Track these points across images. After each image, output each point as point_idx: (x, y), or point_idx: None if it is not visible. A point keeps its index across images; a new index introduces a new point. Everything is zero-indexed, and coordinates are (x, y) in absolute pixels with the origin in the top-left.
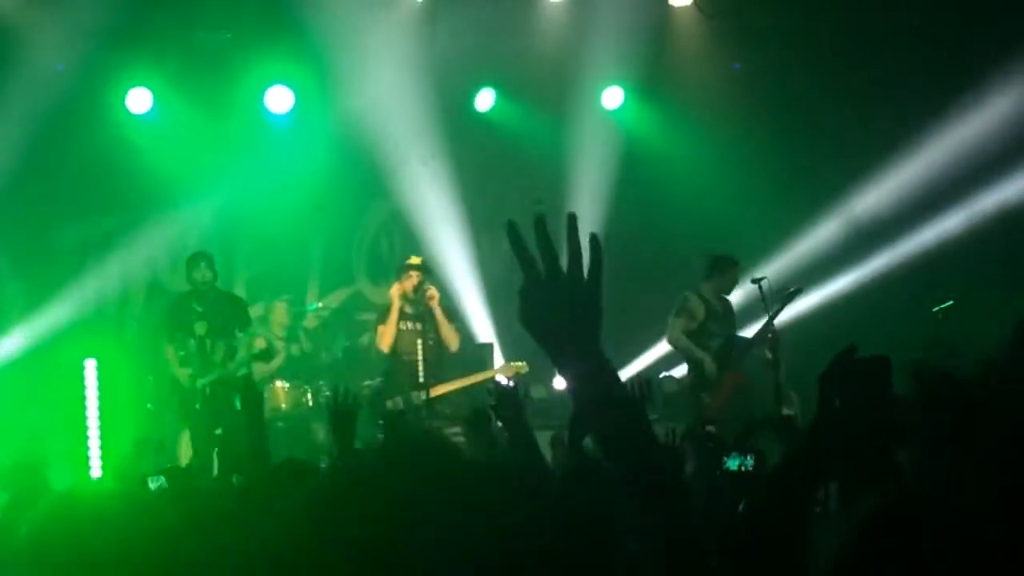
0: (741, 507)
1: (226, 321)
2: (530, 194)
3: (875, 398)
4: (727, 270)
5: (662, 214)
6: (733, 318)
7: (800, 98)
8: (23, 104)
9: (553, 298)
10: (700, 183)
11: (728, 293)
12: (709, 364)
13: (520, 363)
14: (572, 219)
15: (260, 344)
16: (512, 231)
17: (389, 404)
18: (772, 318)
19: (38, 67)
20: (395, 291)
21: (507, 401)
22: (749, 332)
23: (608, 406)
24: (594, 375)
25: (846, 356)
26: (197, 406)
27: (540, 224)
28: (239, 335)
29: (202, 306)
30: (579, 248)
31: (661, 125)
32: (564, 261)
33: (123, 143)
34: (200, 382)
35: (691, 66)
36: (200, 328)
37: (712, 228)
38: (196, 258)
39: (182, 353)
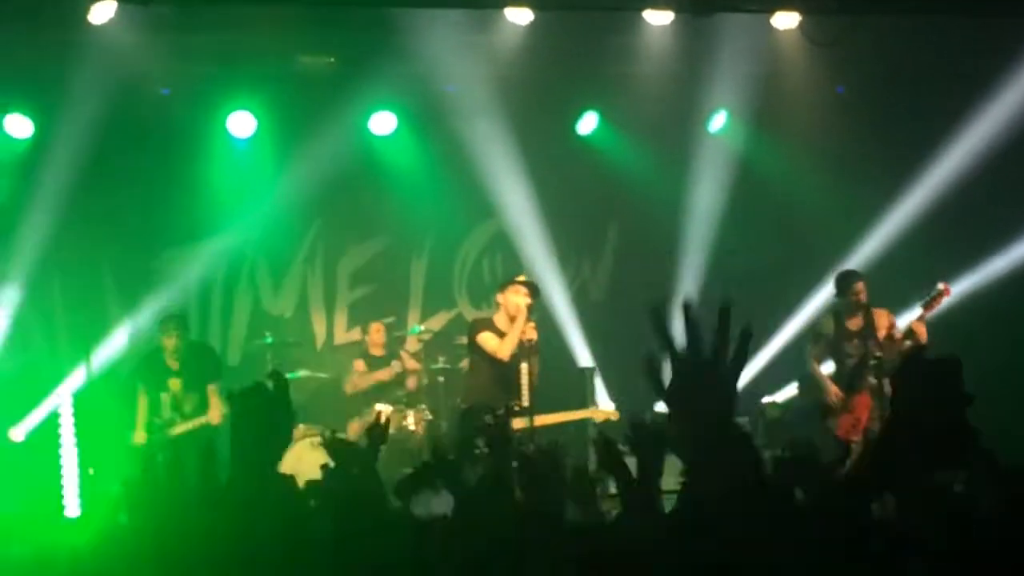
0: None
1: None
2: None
3: (947, 397)
4: (847, 286)
5: (771, 234)
6: (874, 336)
7: (905, 122)
8: (130, 128)
9: (696, 382)
10: (805, 205)
11: (855, 309)
12: (830, 390)
13: (612, 411)
14: (724, 312)
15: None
16: (656, 315)
17: (488, 419)
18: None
19: (145, 91)
20: (523, 301)
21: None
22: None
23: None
24: (725, 460)
25: (917, 356)
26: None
27: (689, 310)
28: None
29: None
30: (727, 336)
31: (766, 148)
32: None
33: (225, 167)
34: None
35: (796, 89)
36: (174, 385)
37: (822, 246)
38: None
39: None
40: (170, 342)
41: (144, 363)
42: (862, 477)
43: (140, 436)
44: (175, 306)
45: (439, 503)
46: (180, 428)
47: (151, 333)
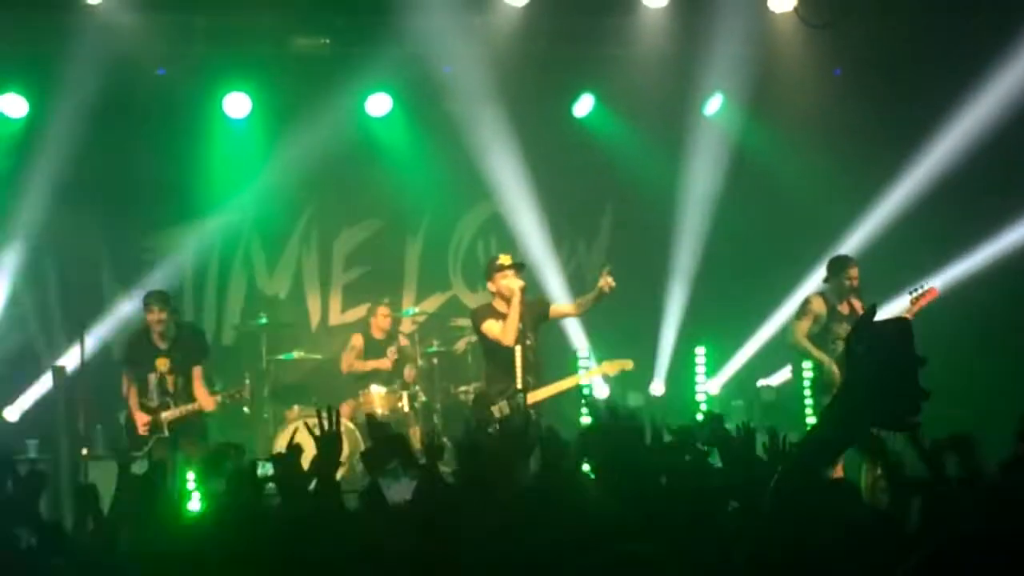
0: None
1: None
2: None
3: (900, 357)
4: (840, 270)
5: (765, 217)
6: None
7: (902, 105)
8: (126, 108)
9: None
10: (801, 188)
11: (847, 294)
12: (829, 366)
13: (626, 360)
14: None
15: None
16: None
17: (495, 410)
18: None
19: (141, 71)
20: (516, 285)
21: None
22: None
23: None
24: None
25: (868, 317)
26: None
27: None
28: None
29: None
30: None
31: (762, 131)
32: None
33: (221, 147)
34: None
35: (792, 72)
36: (162, 365)
37: (815, 230)
38: (147, 299)
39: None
40: (152, 317)
41: (130, 343)
42: (818, 438)
43: (142, 426)
44: (169, 286)
45: (400, 490)
46: (171, 414)
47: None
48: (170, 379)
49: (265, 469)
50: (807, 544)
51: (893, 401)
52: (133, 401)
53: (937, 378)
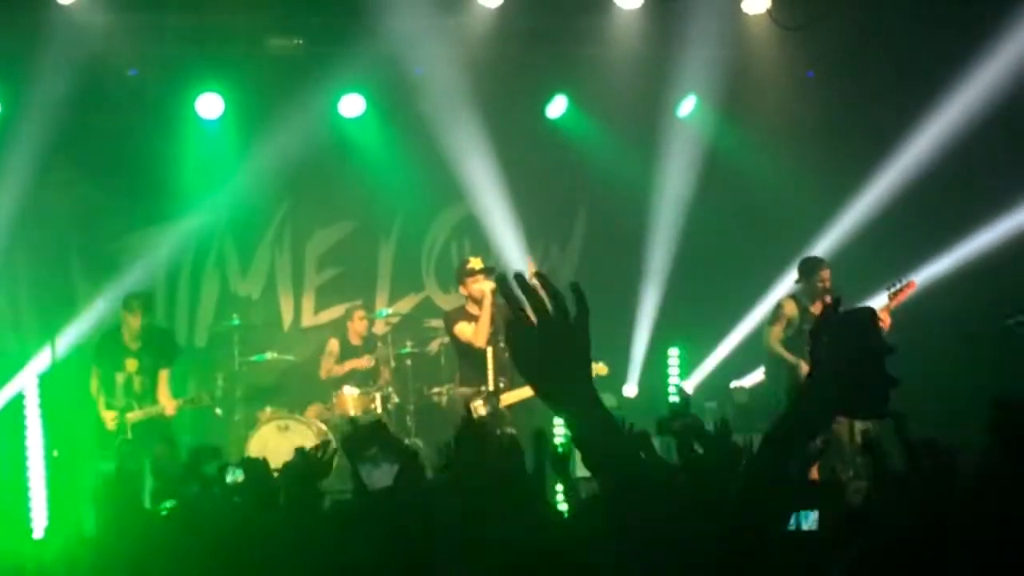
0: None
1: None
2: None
3: (864, 346)
4: (812, 272)
5: (738, 219)
6: None
7: (875, 107)
8: (98, 108)
9: (545, 343)
10: (773, 190)
11: (819, 295)
12: (803, 367)
13: (600, 365)
14: (519, 278)
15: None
16: (503, 283)
17: (473, 409)
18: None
19: (113, 72)
20: (488, 288)
21: None
22: None
23: (603, 438)
24: (588, 412)
25: (832, 309)
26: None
27: (520, 277)
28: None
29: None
30: (559, 297)
31: (735, 133)
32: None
33: (193, 148)
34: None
35: (765, 74)
36: (131, 366)
37: (788, 231)
38: (129, 300)
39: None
40: (134, 320)
41: (102, 342)
42: (783, 430)
43: (110, 422)
44: (142, 287)
45: (380, 475)
46: (135, 415)
47: (116, 313)
48: (137, 380)
49: (236, 474)
50: (774, 543)
51: (860, 388)
52: (100, 400)
53: (912, 378)
